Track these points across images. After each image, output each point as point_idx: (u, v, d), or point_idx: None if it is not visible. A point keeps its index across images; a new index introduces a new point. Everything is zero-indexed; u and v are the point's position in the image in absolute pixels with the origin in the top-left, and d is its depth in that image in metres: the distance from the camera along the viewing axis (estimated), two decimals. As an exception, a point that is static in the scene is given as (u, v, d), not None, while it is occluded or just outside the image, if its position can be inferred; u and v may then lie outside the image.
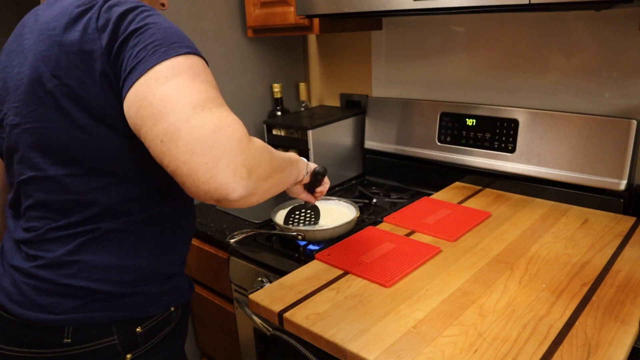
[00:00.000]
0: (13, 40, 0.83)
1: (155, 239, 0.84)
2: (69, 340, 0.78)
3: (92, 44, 0.72)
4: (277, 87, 1.73)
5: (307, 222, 1.25)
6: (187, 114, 0.64)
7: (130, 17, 0.72)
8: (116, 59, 0.71)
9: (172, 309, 0.88)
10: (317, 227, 1.21)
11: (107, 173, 0.77)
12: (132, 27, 0.70)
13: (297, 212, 1.26)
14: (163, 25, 0.72)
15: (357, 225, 1.26)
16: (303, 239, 1.20)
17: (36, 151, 0.77)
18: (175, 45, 0.69)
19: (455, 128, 1.47)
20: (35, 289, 0.78)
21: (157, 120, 0.64)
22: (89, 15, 0.73)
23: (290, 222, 1.24)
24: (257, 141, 0.71)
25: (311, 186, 1.09)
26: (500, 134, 1.38)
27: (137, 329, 0.83)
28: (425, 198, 1.40)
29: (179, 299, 0.90)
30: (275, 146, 1.68)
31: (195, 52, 0.71)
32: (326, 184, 1.12)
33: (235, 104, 1.66)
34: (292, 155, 0.94)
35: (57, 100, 0.74)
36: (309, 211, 1.25)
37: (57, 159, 0.76)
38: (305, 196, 1.11)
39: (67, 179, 0.77)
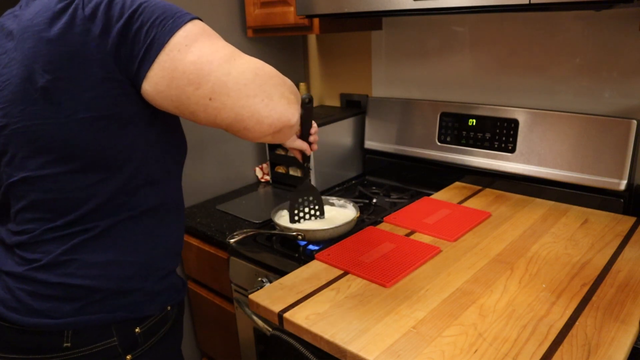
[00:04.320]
0: None
1: (149, 233, 0.83)
2: (69, 344, 0.77)
3: (82, 35, 0.70)
4: (277, 87, 1.73)
5: (312, 216, 1.18)
6: (225, 67, 0.70)
7: (117, 0, 0.71)
8: (120, 44, 0.70)
9: (169, 307, 0.89)
10: (317, 227, 1.21)
11: (102, 167, 0.76)
12: (128, 12, 0.70)
13: (300, 208, 1.16)
14: (155, 0, 0.73)
15: (357, 225, 1.26)
16: (303, 239, 1.20)
17: (29, 151, 0.75)
18: (178, 15, 0.72)
19: (456, 128, 1.47)
20: (30, 294, 0.77)
21: (199, 84, 0.69)
22: (73, 5, 0.71)
23: (296, 219, 1.16)
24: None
25: (303, 125, 0.97)
26: (500, 134, 1.38)
27: (136, 329, 0.83)
28: (425, 198, 1.40)
29: (174, 297, 0.90)
30: (274, 147, 1.69)
31: (197, 17, 0.74)
32: (315, 128, 1.01)
33: (235, 104, 1.65)
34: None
35: (50, 95, 0.71)
36: (311, 204, 1.16)
37: (51, 157, 0.74)
38: (299, 144, 0.99)
39: (62, 177, 0.75)
